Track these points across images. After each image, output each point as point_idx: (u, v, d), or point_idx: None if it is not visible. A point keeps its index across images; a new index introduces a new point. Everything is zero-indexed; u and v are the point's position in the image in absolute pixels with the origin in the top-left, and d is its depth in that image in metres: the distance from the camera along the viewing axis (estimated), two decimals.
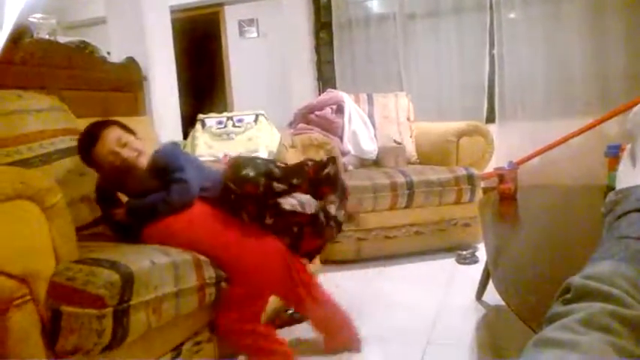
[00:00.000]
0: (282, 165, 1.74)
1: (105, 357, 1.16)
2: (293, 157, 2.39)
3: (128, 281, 1.17)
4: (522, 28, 3.79)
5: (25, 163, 1.62)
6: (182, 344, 1.45)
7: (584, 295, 0.48)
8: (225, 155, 2.81)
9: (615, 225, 0.60)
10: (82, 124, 2.10)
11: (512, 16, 3.81)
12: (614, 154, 1.96)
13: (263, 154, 2.51)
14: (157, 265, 1.27)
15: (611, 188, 0.71)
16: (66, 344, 1.11)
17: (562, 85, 3.70)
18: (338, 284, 2.40)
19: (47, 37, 2.69)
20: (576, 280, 0.51)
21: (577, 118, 3.50)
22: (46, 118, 1.84)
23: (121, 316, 1.15)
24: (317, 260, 2.46)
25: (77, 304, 1.11)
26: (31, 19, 2.74)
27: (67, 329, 1.11)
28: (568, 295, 0.50)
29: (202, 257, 1.48)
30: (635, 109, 0.73)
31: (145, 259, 1.26)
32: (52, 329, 1.12)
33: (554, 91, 3.73)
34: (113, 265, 1.18)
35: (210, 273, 1.48)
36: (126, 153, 1.66)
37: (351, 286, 2.39)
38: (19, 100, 1.79)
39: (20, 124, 1.71)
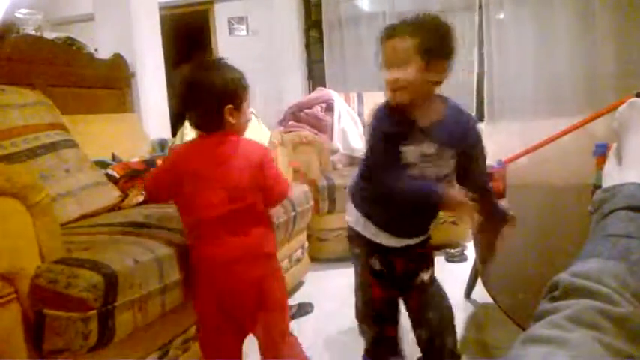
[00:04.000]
0: None
1: (92, 357, 1.15)
2: (282, 155, 2.38)
3: (111, 282, 1.14)
4: (511, 27, 3.81)
5: (8, 158, 1.59)
6: (170, 342, 1.44)
7: (572, 292, 0.48)
8: None
9: (602, 223, 0.60)
10: (68, 120, 2.08)
11: (501, 16, 3.83)
12: (601, 153, 1.97)
13: None
14: (140, 263, 1.24)
15: (598, 187, 0.71)
16: (52, 345, 1.10)
17: (551, 84, 3.73)
18: (330, 283, 2.40)
19: (33, 33, 2.65)
20: (564, 277, 0.51)
21: (565, 117, 3.52)
22: (30, 113, 1.81)
23: (106, 317, 1.13)
24: (306, 259, 2.46)
25: (60, 308, 1.08)
26: (17, 15, 2.70)
27: (52, 331, 1.09)
28: (556, 293, 0.50)
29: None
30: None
31: (128, 258, 1.23)
32: (37, 330, 1.10)
33: (543, 91, 3.75)
34: (95, 266, 1.14)
35: None
36: None
37: (340, 284, 2.38)
38: (1, 94, 1.76)
39: (3, 119, 1.68)
